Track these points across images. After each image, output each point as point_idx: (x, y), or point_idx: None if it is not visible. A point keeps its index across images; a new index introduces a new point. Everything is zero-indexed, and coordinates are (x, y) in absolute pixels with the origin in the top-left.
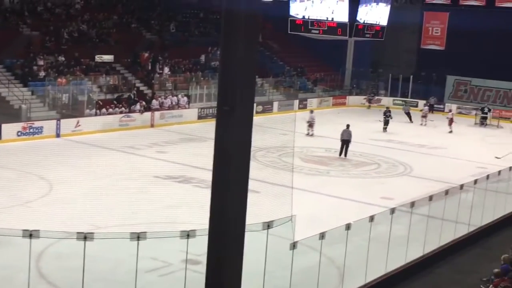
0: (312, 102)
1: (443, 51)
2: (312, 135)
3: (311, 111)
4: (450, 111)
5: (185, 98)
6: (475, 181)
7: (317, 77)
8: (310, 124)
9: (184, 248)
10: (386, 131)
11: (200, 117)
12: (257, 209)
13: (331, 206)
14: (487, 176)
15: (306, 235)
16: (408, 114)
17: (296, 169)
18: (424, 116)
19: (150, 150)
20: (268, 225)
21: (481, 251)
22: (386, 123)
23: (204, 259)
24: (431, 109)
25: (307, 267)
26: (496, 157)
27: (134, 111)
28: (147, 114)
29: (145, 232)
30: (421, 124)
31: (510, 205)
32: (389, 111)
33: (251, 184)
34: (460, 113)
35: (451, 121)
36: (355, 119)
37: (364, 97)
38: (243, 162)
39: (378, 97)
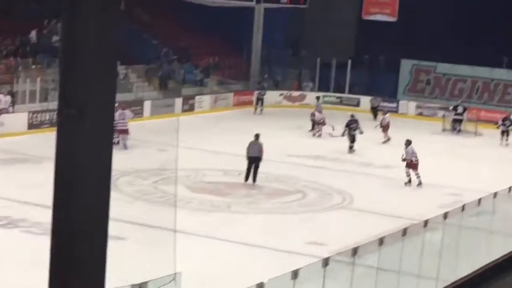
0: (203, 100)
1: (395, 24)
2: (319, 135)
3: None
4: (386, 113)
5: (8, 98)
6: (445, 215)
7: (210, 63)
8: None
9: None
10: (353, 151)
11: (31, 126)
12: (122, 265)
13: (233, 257)
14: (462, 207)
15: None
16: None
17: (180, 202)
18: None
19: None
20: None
21: None
22: (352, 140)
23: None
24: (375, 111)
25: None
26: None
27: None
28: None
29: None
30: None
31: (497, 249)
32: (356, 121)
33: (113, 227)
34: (420, 114)
35: (386, 127)
36: (268, 127)
37: (282, 93)
38: (99, 193)
39: (302, 92)
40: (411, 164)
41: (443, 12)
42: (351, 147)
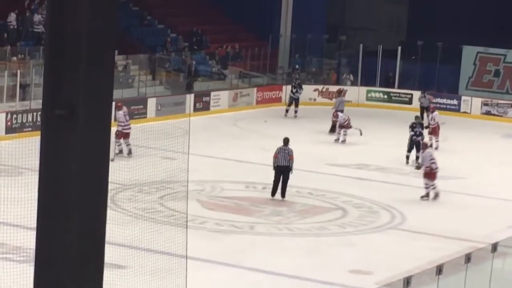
0: (220, 97)
1: (455, 3)
2: (344, 141)
3: (432, 109)
4: (434, 111)
5: None
6: None
7: (228, 52)
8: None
9: None
10: (419, 165)
11: (10, 130)
12: None
13: None
14: None
15: None
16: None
17: (192, 222)
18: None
19: None
20: None
21: None
22: (417, 147)
23: None
24: (425, 112)
25: None
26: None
27: None
28: None
29: None
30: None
31: None
32: (421, 125)
33: (111, 253)
34: (487, 113)
35: (435, 130)
36: (300, 129)
37: (317, 87)
38: (93, 212)
39: (342, 86)
40: (430, 173)
41: None
42: (408, 157)
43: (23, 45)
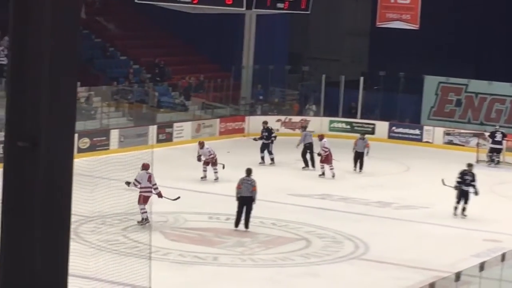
0: (183, 128)
1: (416, 33)
2: (323, 173)
3: (320, 137)
4: (321, 139)
5: None
6: (482, 266)
7: (191, 83)
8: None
9: None
10: (464, 215)
11: None
12: None
13: None
14: (503, 256)
15: None
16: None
17: (156, 254)
18: None
19: None
20: None
21: None
22: (465, 197)
23: None
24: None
25: None
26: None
27: None
28: None
29: None
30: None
31: None
32: (472, 174)
33: (74, 285)
34: (449, 142)
35: (327, 158)
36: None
37: (279, 118)
38: (56, 245)
39: (304, 117)
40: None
41: (474, 18)
42: (456, 208)
43: None
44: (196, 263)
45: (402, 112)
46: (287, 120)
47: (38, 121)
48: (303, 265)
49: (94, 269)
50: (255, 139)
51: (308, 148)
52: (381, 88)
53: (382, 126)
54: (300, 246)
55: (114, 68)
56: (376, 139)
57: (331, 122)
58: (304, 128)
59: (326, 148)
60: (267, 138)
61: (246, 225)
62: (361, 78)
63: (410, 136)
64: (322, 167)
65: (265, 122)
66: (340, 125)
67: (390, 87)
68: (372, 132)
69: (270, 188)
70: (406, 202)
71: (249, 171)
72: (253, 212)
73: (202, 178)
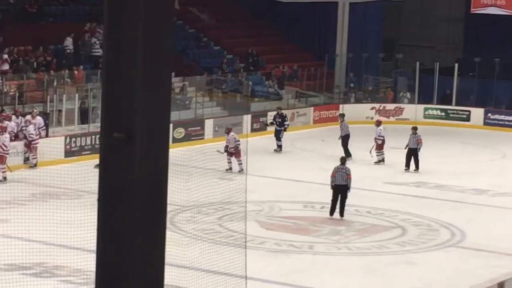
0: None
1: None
2: (382, 160)
3: (378, 123)
4: (378, 125)
5: (39, 119)
6: None
7: (284, 72)
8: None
9: None
10: None
11: (69, 153)
12: None
13: None
14: None
15: None
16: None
17: (251, 243)
18: None
19: None
20: None
21: None
22: None
23: None
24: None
25: None
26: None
27: None
28: None
29: None
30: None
31: None
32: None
33: (170, 274)
34: None
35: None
36: (357, 148)
37: (373, 106)
38: (152, 234)
39: (399, 105)
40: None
41: None
42: None
43: (82, 68)
44: (291, 252)
45: (498, 98)
46: (381, 108)
47: (133, 112)
48: (398, 253)
49: (190, 258)
50: (267, 124)
51: (345, 138)
52: (476, 75)
53: (477, 113)
54: (396, 234)
55: (208, 58)
56: (471, 126)
57: (426, 109)
58: (342, 116)
59: (381, 136)
60: (279, 124)
61: (341, 214)
62: (456, 65)
63: (506, 122)
64: (379, 155)
65: (279, 108)
66: (435, 112)
67: (485, 73)
68: (468, 119)
69: (365, 176)
70: (503, 189)
71: (343, 160)
72: (348, 201)
73: (227, 170)
